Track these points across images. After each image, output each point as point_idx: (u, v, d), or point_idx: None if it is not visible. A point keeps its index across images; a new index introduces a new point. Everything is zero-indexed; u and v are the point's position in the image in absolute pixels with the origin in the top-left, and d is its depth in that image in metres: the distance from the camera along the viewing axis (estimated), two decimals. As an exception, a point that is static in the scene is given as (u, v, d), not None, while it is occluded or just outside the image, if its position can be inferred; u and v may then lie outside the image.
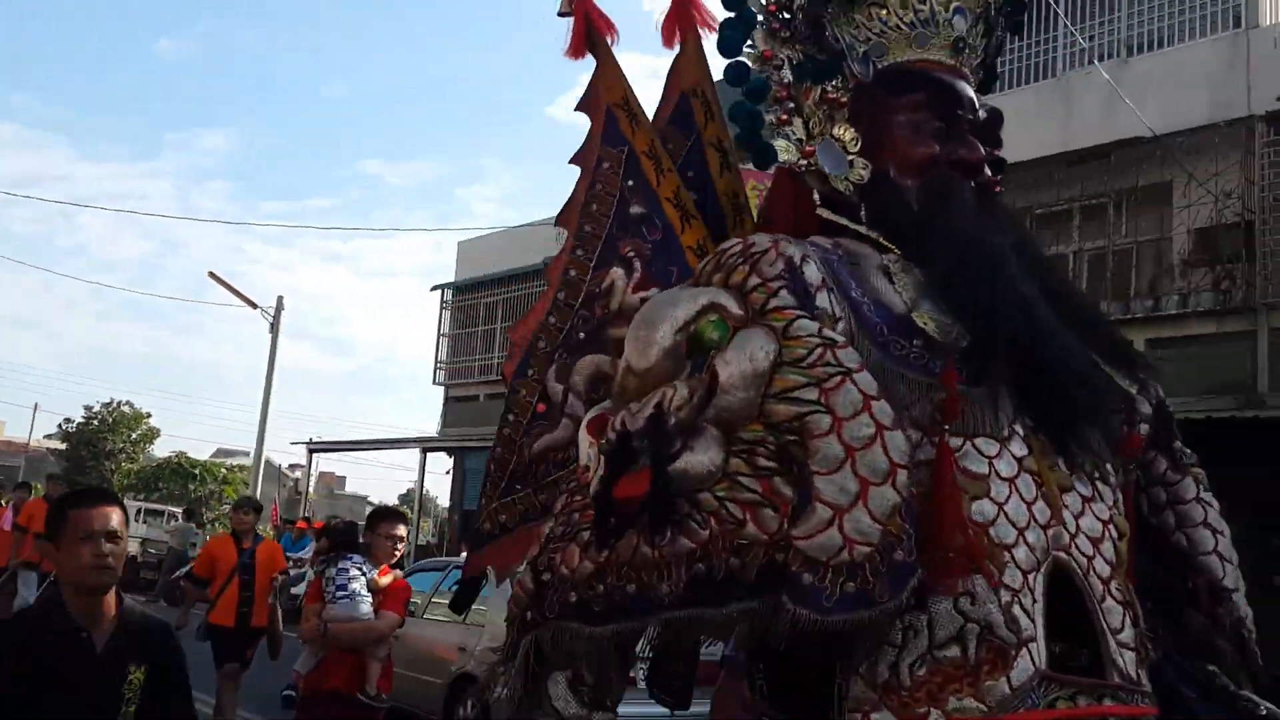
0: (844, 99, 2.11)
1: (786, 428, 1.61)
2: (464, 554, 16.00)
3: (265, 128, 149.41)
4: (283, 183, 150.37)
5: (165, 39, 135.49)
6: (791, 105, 2.13)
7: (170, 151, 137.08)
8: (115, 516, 2.69)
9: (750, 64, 2.20)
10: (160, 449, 43.86)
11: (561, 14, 2.50)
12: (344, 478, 59.39)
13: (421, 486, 22.56)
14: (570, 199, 2.51)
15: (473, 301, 21.64)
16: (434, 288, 22.74)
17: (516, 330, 2.55)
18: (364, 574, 5.21)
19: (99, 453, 40.85)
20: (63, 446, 44.88)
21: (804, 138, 2.09)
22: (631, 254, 2.35)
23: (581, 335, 2.34)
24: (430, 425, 22.86)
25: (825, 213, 2.04)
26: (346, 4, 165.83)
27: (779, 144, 2.08)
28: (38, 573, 10.84)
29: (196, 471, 35.39)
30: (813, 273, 1.80)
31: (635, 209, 2.39)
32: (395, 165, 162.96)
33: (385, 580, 5.34)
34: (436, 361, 22.39)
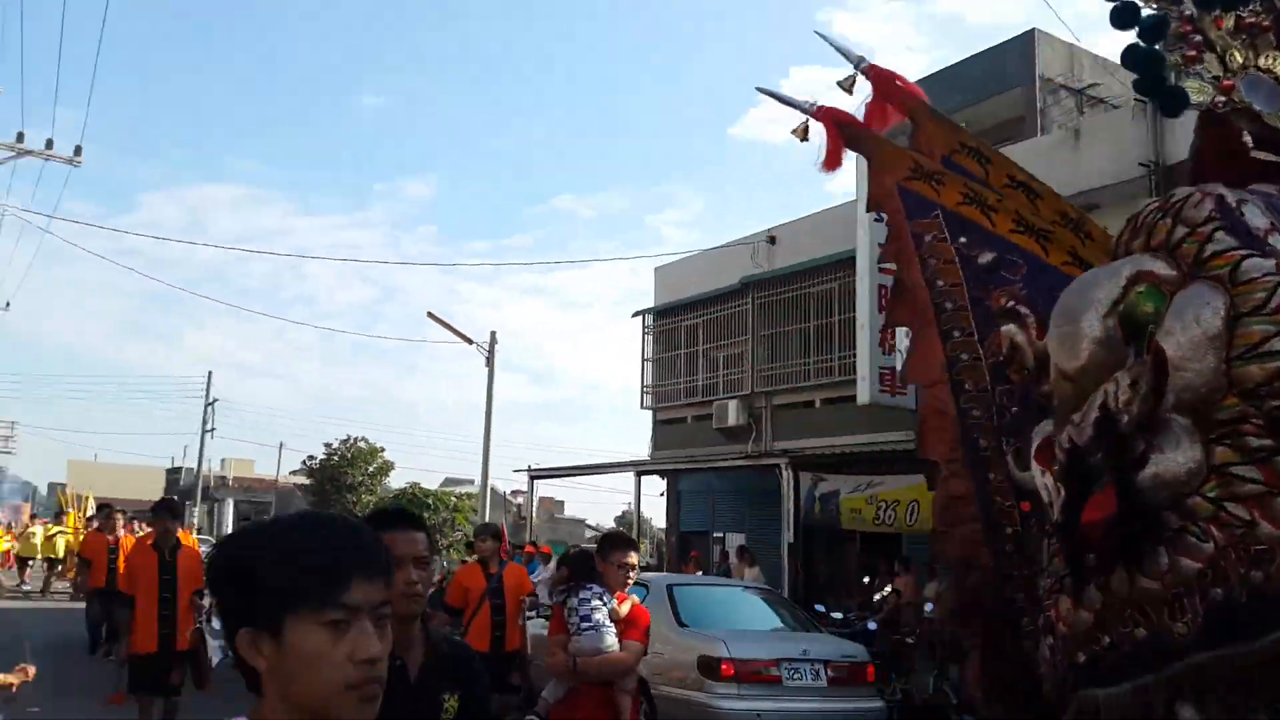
0: (1266, 22, 1.82)
1: (1268, 390, 1.31)
2: (697, 571, 16.02)
3: (464, 172, 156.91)
4: (484, 223, 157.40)
5: (368, 95, 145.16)
6: (1199, 39, 1.83)
7: (380, 200, 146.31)
8: (421, 541, 2.57)
9: (1140, 1, 1.94)
10: (395, 480, 46.77)
11: (802, 139, 2.47)
12: (563, 502, 61.32)
13: (639, 509, 23.16)
14: (899, 295, 2.37)
15: (673, 325, 22.14)
16: (635, 314, 23.39)
17: (927, 446, 2.21)
18: (604, 603, 5.11)
19: (341, 486, 43.93)
20: (308, 481, 48.50)
21: (1220, 74, 1.80)
22: (1009, 302, 2.14)
23: (1014, 411, 2.08)
24: (642, 449, 23.46)
25: (1263, 154, 1.73)
26: (530, 50, 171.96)
27: (1190, 85, 1.81)
28: None
29: (429, 501, 37.42)
30: (1256, 215, 1.51)
31: (983, 259, 2.20)
32: (586, 198, 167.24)
33: (625, 608, 5.25)
34: (643, 386, 22.99)
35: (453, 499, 38.89)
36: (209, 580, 1.61)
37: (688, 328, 21.65)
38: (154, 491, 67.54)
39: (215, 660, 10.76)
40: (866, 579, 15.53)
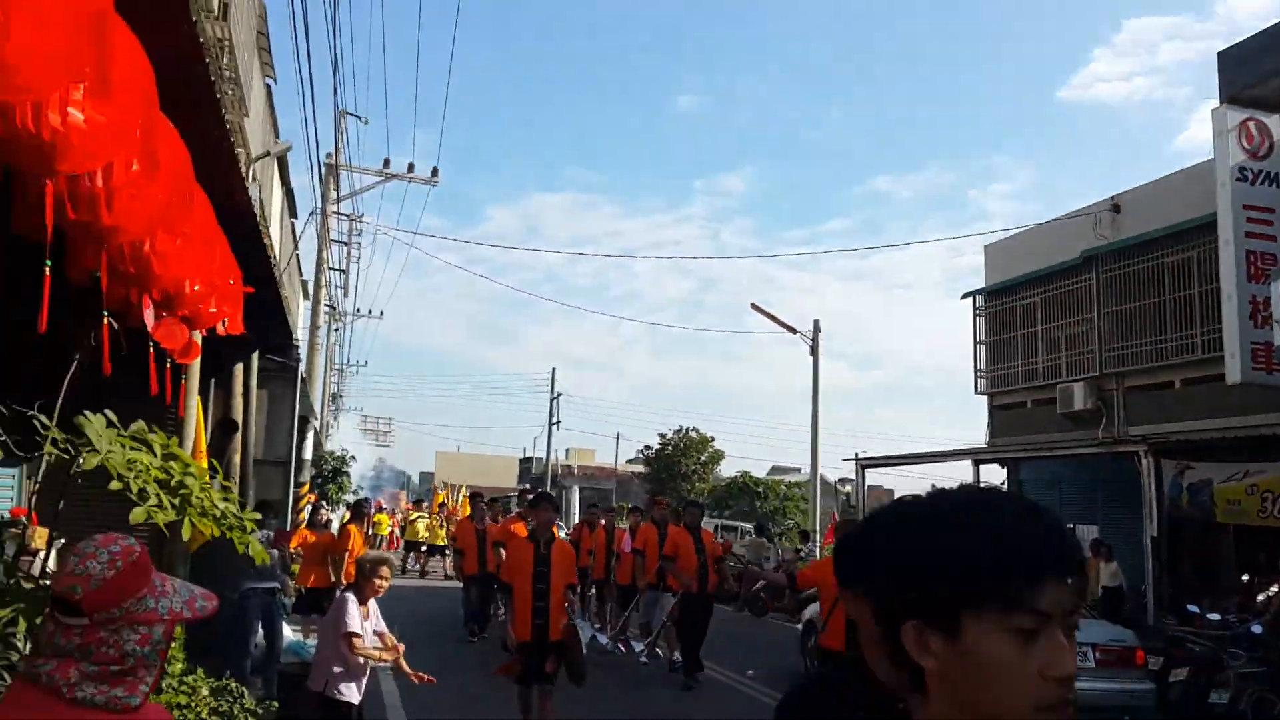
0: None
1: None
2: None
3: (778, 162, 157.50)
4: (799, 211, 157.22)
5: (684, 96, 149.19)
6: None
7: (699, 197, 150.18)
8: None
9: None
10: (726, 469, 47.95)
11: None
12: (892, 490, 60.09)
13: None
14: None
15: (1008, 305, 21.03)
16: (965, 295, 22.46)
17: None
18: None
19: (675, 474, 45.62)
20: (644, 470, 50.78)
21: None
22: None
23: None
24: (977, 435, 22.52)
25: None
26: (839, 32, 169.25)
27: None
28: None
29: (760, 489, 38.05)
30: None
31: None
32: (903, 178, 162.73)
33: None
34: (976, 370, 22.04)
35: (782, 487, 39.25)
36: (849, 554, 1.38)
37: (1024, 307, 20.49)
38: (509, 479, 73.57)
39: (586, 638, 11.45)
40: (1246, 577, 14.05)
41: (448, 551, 26.94)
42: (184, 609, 2.19)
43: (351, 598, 6.18)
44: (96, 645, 2.05)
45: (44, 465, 5.70)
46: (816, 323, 27.93)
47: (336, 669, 5.99)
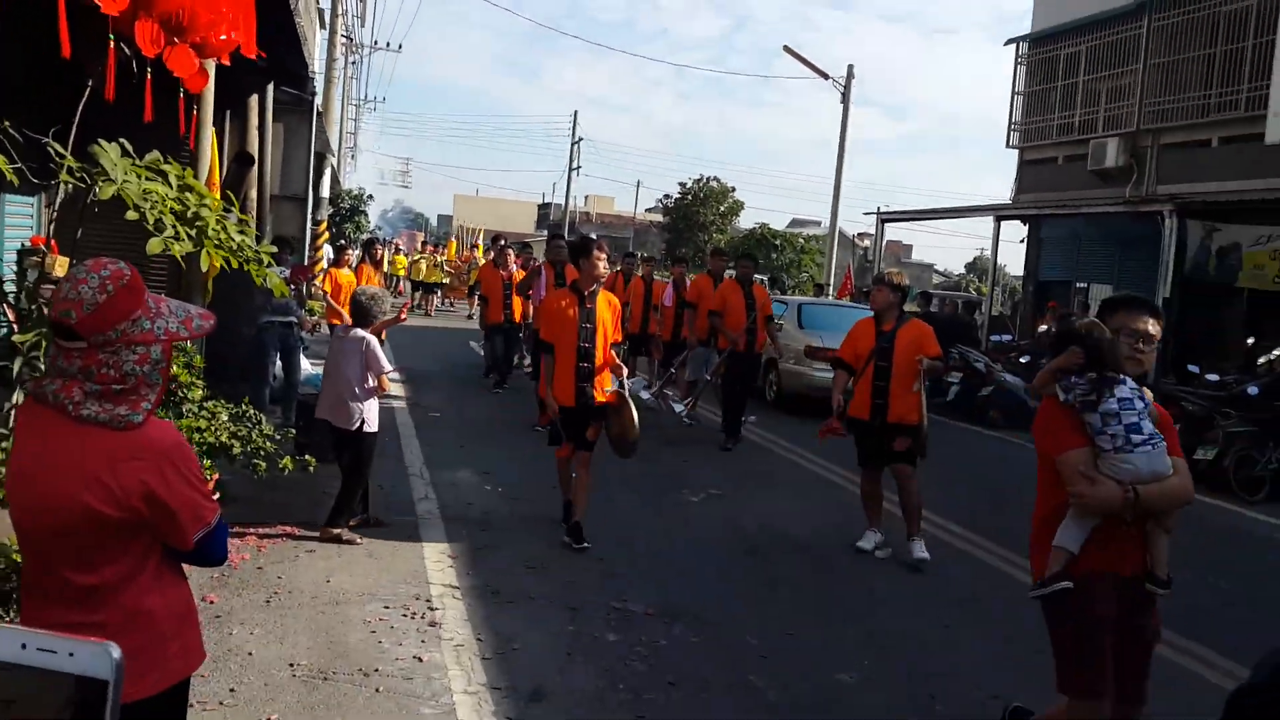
0: None
1: None
2: (1042, 327, 15.59)
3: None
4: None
5: None
6: None
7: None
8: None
9: None
10: (744, 220, 47.69)
11: None
12: (910, 246, 59.95)
13: (996, 255, 22.13)
14: None
15: (1051, 54, 20.06)
16: (1007, 42, 21.44)
17: None
18: (1144, 402, 3.53)
19: (693, 225, 45.45)
20: (662, 219, 50.57)
21: None
22: None
23: None
24: (1003, 191, 22.15)
25: None
26: None
27: None
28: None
29: (777, 242, 37.97)
30: None
31: None
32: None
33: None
34: (1010, 123, 21.36)
35: (800, 240, 39.16)
36: None
37: (1068, 56, 19.55)
38: (527, 224, 73.59)
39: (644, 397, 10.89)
40: (1250, 340, 14.15)
41: (438, 291, 27.56)
42: (180, 328, 2.23)
43: (372, 338, 6.32)
44: (97, 367, 2.11)
45: (60, 194, 5.69)
46: (850, 68, 26.90)
47: (366, 403, 6.24)
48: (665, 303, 12.79)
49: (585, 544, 6.47)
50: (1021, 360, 15.17)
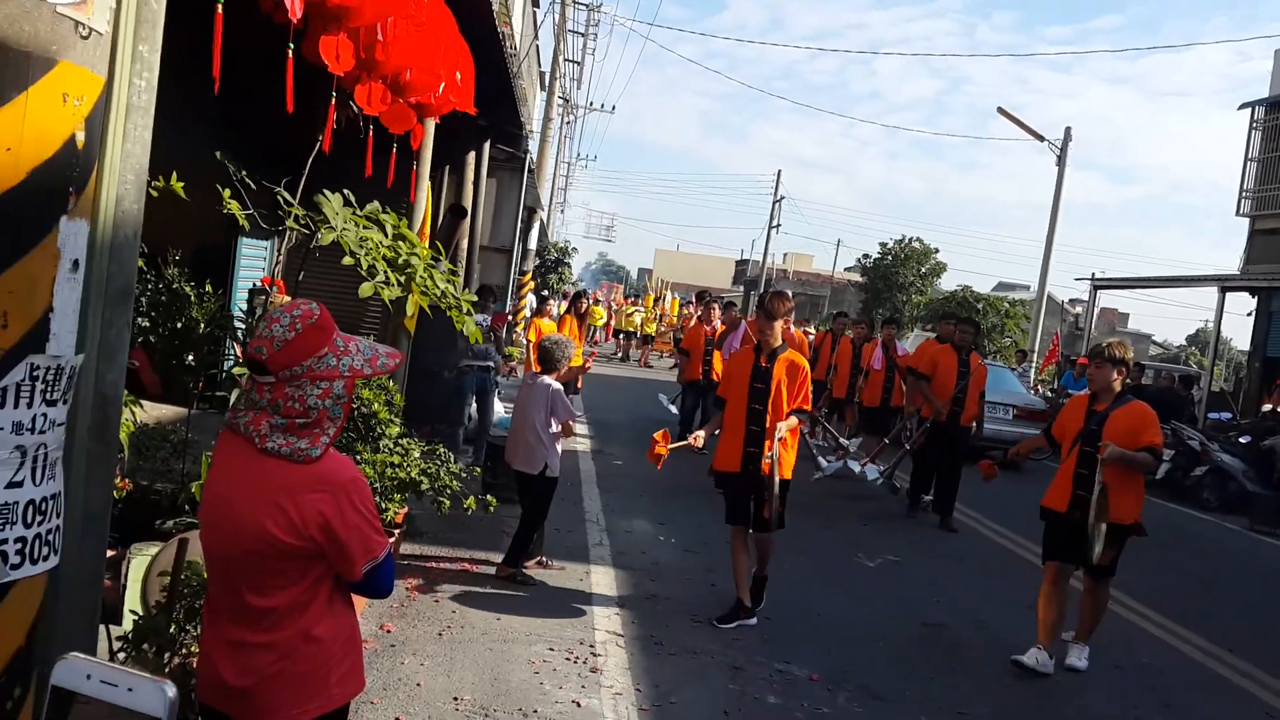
0: None
1: None
2: (1266, 406, 14.49)
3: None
4: (1066, 4, 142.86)
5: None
6: None
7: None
8: None
9: None
10: (946, 282, 46.34)
11: None
12: (1126, 315, 56.65)
13: (1218, 329, 20.63)
14: None
15: (1290, 118, 18.74)
16: (1241, 106, 20.20)
17: None
18: None
19: (893, 285, 44.53)
20: (861, 279, 49.81)
21: None
22: None
23: None
24: (1231, 261, 20.70)
25: None
26: None
27: None
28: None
29: (980, 305, 36.69)
30: None
31: None
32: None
33: None
34: (1242, 190, 20.01)
35: (1004, 304, 37.69)
36: None
37: (1307, 121, 18.21)
38: (724, 279, 74.12)
39: (827, 471, 10.59)
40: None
41: (651, 343, 28.21)
42: (365, 366, 2.37)
43: (557, 385, 6.55)
44: (284, 400, 2.27)
45: (288, 239, 6.22)
46: (1068, 130, 25.91)
47: (551, 448, 6.46)
48: (874, 365, 12.14)
49: (733, 624, 6.02)
50: (1241, 440, 14.06)
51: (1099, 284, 23.65)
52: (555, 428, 6.47)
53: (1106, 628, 6.93)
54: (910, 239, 46.25)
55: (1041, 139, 25.71)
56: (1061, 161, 25.72)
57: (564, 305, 14.64)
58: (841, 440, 11.49)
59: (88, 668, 1.25)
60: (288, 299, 5.66)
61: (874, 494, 10.97)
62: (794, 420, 6.01)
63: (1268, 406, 15.40)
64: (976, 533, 9.93)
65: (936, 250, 45.61)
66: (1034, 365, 24.55)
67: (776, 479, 5.86)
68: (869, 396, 12.17)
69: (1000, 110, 25.73)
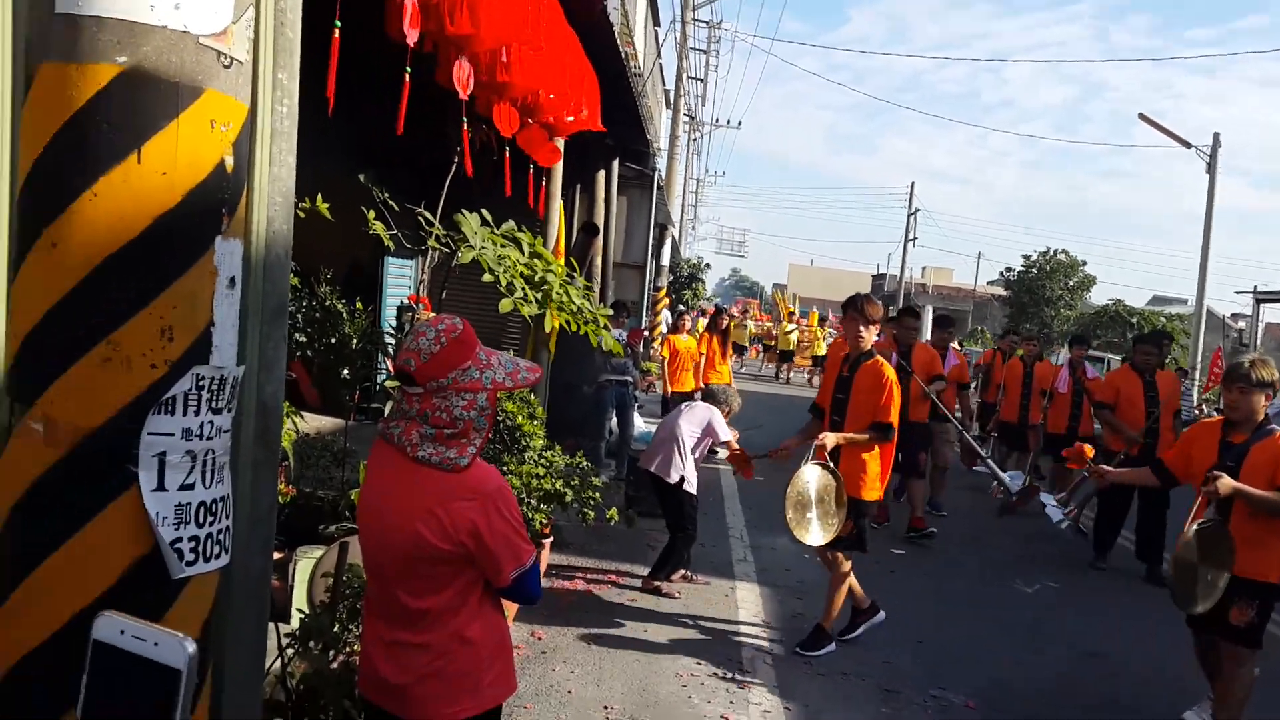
0: None
1: None
2: None
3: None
4: (1206, 6, 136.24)
5: None
6: None
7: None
8: None
9: None
10: (1097, 296, 44.47)
11: None
12: (1296, 325, 53.13)
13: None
14: None
15: None
16: None
17: None
18: None
19: (1039, 299, 42.95)
20: (1005, 293, 48.25)
21: None
22: None
23: None
24: None
25: None
26: None
27: None
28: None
29: (1134, 320, 35.07)
30: None
31: None
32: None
33: None
34: None
35: (1160, 319, 35.93)
36: None
37: None
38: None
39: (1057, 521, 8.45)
40: None
41: (792, 361, 27.73)
42: (506, 379, 2.40)
43: (718, 411, 6.55)
44: (431, 410, 2.32)
45: (430, 258, 6.37)
46: (1216, 135, 24.53)
47: (689, 464, 6.45)
48: (1060, 388, 10.92)
49: (817, 652, 5.64)
50: None
51: (1262, 298, 22.27)
52: (702, 448, 6.49)
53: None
54: (1056, 251, 44.64)
55: (1188, 145, 24.42)
56: (1212, 168, 24.36)
57: (703, 322, 14.49)
58: (998, 471, 10.22)
59: (121, 624, 1.35)
60: (433, 315, 5.79)
61: (1034, 516, 10.35)
62: (862, 436, 5.48)
63: None
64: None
65: (1084, 263, 43.86)
66: (1197, 384, 23.23)
67: (804, 489, 5.39)
68: (1054, 423, 11.03)
69: (1142, 116, 24.56)
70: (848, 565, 5.73)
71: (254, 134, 2.30)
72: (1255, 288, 22.39)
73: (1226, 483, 4.48)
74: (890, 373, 5.59)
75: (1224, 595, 4.50)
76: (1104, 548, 8.71)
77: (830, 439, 5.44)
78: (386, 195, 5.67)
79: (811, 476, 5.38)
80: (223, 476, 2.06)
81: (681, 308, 27.50)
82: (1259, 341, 23.11)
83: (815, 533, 5.38)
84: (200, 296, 1.95)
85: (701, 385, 11.38)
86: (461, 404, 2.32)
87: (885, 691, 5.19)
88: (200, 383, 1.97)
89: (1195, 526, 4.51)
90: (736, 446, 6.55)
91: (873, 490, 5.60)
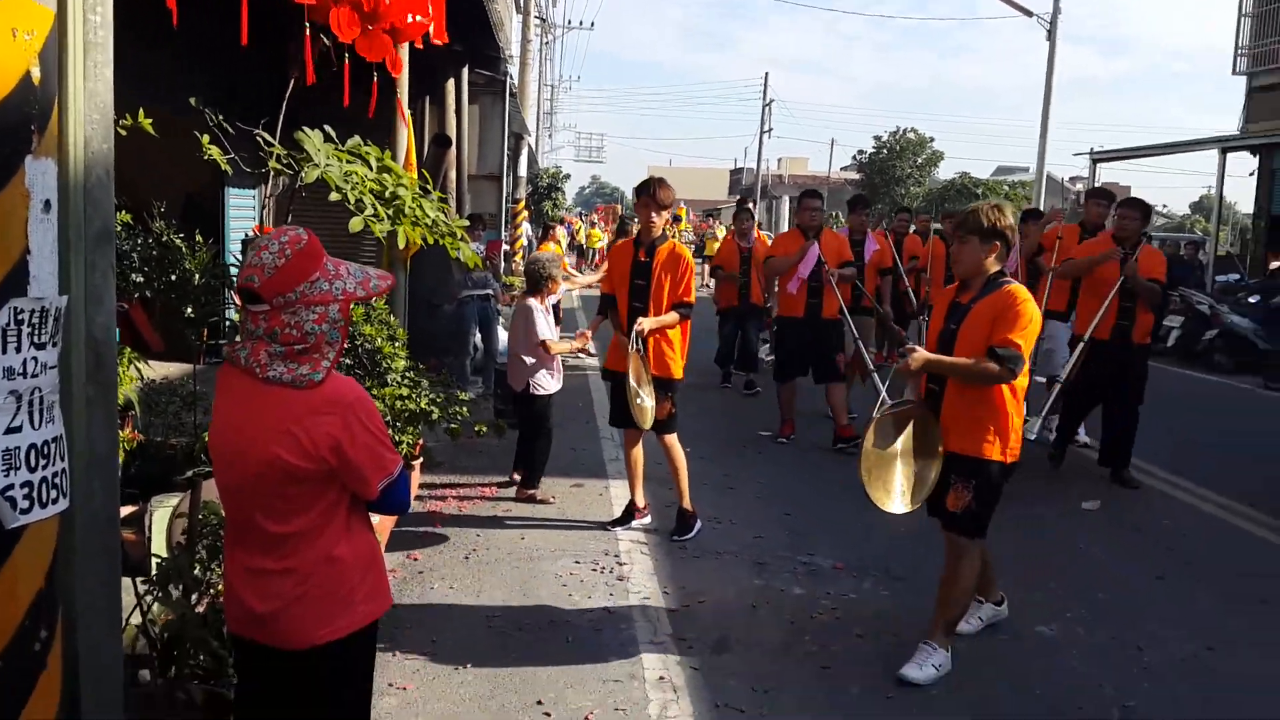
0: None
1: None
2: (1274, 264, 14.23)
3: None
4: None
5: None
6: None
7: None
8: None
9: None
10: (944, 171, 45.88)
11: None
12: (1128, 187, 55.96)
13: (1221, 192, 20.42)
14: None
15: (1283, -32, 18.28)
16: (1232, -40, 19.68)
17: None
18: None
19: (890, 179, 44.12)
20: (857, 176, 49.33)
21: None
22: None
23: None
24: (1229, 123, 20.45)
25: None
26: None
27: None
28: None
29: (979, 191, 36.39)
30: None
31: None
32: None
33: None
34: (1237, 48, 19.62)
35: (1004, 188, 37.35)
36: None
37: (1302, -32, 17.76)
38: (720, 191, 73.44)
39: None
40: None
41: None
42: (357, 289, 2.37)
43: (536, 305, 6.54)
44: (280, 328, 2.27)
45: (270, 182, 6.13)
46: (1056, 3, 25.29)
47: (532, 368, 6.50)
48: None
49: (689, 534, 5.86)
50: (1250, 300, 14.05)
51: (1098, 158, 23.34)
52: (533, 348, 6.52)
53: (1126, 494, 6.99)
54: (905, 130, 45.69)
55: (1030, 14, 25.13)
56: (1052, 36, 25.14)
57: (598, 233, 14.35)
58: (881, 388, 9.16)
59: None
60: (275, 228, 5.61)
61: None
62: (671, 316, 5.62)
63: (1275, 264, 15.30)
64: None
65: (932, 140, 45.13)
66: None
67: (635, 378, 5.50)
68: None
69: (986, -13, 25.10)
70: (679, 447, 5.90)
71: (64, 44, 2.17)
72: (1092, 149, 23.43)
73: (918, 356, 4.09)
74: (687, 253, 5.75)
75: (941, 479, 4.12)
76: (1121, 464, 7.43)
77: (647, 324, 5.55)
78: (221, 117, 5.41)
79: (633, 365, 5.54)
80: (53, 416, 1.99)
81: (552, 220, 27.11)
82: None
83: (649, 416, 5.60)
84: (12, 222, 1.84)
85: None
86: (312, 318, 2.27)
87: (757, 564, 5.45)
88: (19, 316, 1.88)
89: (885, 410, 4.15)
90: (563, 346, 6.67)
91: (678, 368, 5.81)
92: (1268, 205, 19.28)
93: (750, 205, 12.58)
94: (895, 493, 4.12)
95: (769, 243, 10.49)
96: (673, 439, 5.89)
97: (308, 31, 4.91)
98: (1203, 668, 4.40)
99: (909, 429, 4.13)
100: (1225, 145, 19.16)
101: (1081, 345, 7.17)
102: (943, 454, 4.09)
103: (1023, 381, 4.08)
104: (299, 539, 2.34)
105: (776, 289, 8.97)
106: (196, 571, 3.40)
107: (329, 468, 2.29)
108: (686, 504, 5.95)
